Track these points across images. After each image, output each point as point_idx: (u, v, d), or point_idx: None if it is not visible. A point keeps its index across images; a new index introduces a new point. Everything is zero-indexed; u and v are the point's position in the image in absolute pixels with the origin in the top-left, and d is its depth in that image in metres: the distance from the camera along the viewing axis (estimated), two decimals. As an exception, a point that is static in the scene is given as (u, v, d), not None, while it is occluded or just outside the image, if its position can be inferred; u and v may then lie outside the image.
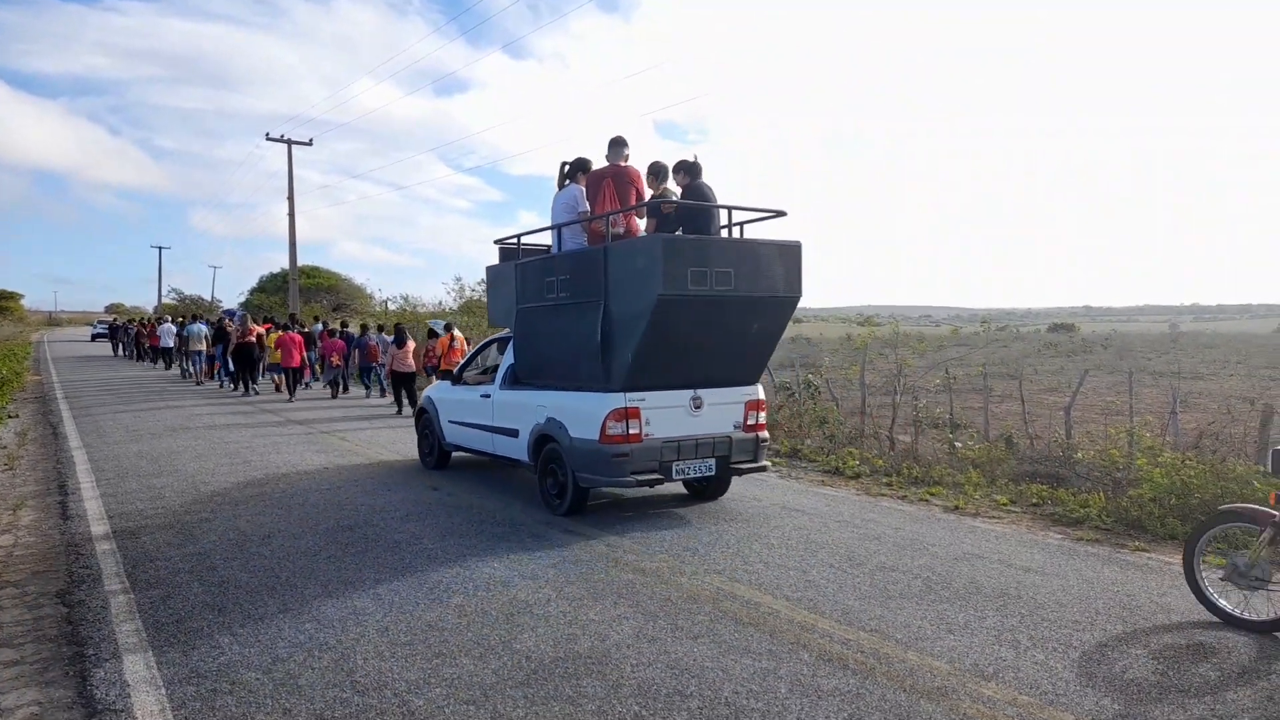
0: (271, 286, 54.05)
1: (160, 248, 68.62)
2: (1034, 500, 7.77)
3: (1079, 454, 8.49)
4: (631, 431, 6.79)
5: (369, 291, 49.40)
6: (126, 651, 4.20)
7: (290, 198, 33.43)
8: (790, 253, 7.02)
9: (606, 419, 6.75)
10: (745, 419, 7.40)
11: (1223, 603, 4.87)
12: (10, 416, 13.90)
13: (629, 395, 6.80)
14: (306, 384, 20.37)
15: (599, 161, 7.59)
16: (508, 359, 8.47)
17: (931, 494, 8.20)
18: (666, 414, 6.98)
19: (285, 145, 33.28)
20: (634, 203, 7.20)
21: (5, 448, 10.66)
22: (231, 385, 19.94)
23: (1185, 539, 5.46)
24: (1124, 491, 7.28)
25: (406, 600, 4.94)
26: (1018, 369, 17.34)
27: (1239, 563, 4.79)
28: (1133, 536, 6.57)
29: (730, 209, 7.21)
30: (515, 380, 8.24)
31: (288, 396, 17.80)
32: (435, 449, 9.62)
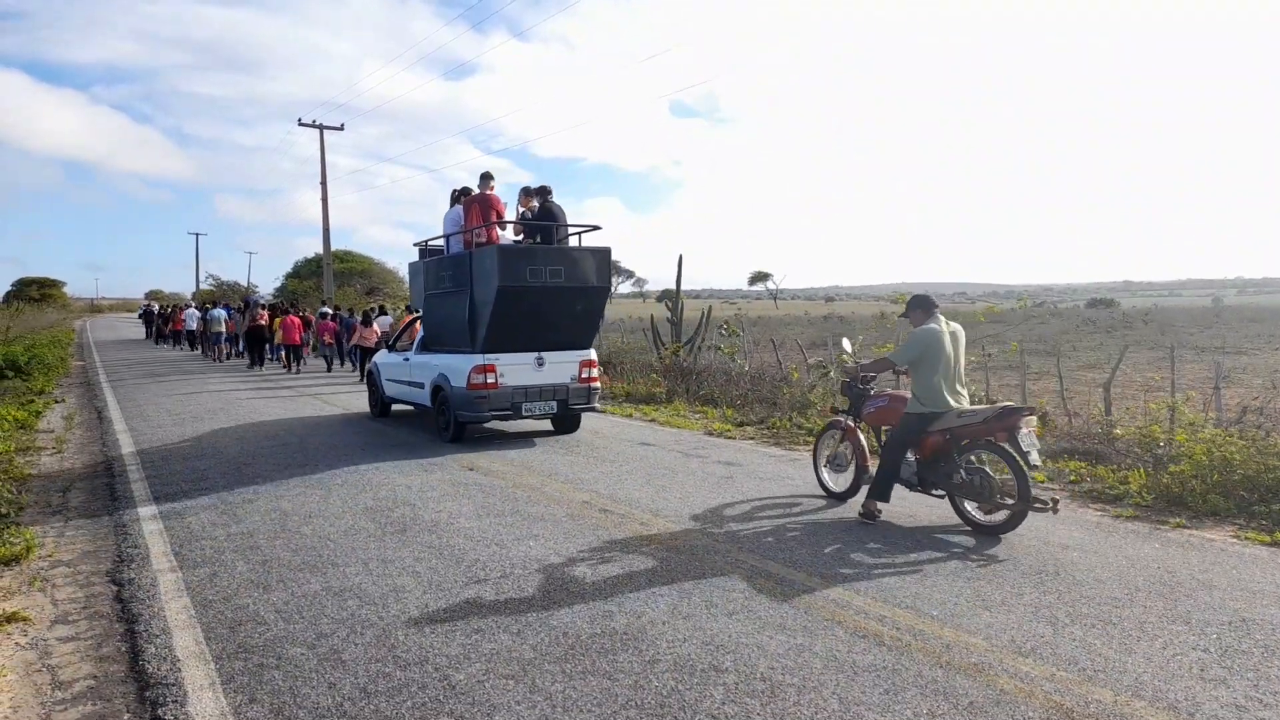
0: (306, 271, 54.56)
1: (197, 234, 69.51)
2: (1072, 477, 7.69)
3: (1118, 430, 8.37)
4: (489, 381, 9.48)
5: (401, 276, 49.70)
6: (176, 628, 4.32)
7: (323, 182, 33.72)
8: (601, 255, 9.89)
9: (471, 373, 9.49)
10: (580, 374, 10.06)
11: (827, 480, 7.10)
12: (57, 401, 14.27)
13: (486, 356, 9.50)
14: (304, 359, 23.07)
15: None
16: (421, 332, 11.44)
17: (967, 472, 8.14)
18: (516, 369, 9.66)
19: (317, 130, 33.54)
20: (495, 221, 9.98)
21: (54, 432, 10.95)
22: (247, 362, 22.89)
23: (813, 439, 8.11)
24: (1165, 468, 7.17)
25: (445, 578, 5.02)
26: (1055, 346, 17.08)
27: (832, 455, 7.13)
28: (1174, 513, 6.48)
29: (558, 226, 10.00)
30: (424, 347, 11.11)
31: (287, 369, 21.20)
32: (379, 402, 12.49)
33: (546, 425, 11.13)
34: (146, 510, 6.80)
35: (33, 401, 13.46)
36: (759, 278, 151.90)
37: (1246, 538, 5.82)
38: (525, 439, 10.29)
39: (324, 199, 33.76)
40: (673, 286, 17.88)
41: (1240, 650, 3.95)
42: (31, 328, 34.84)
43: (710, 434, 10.72)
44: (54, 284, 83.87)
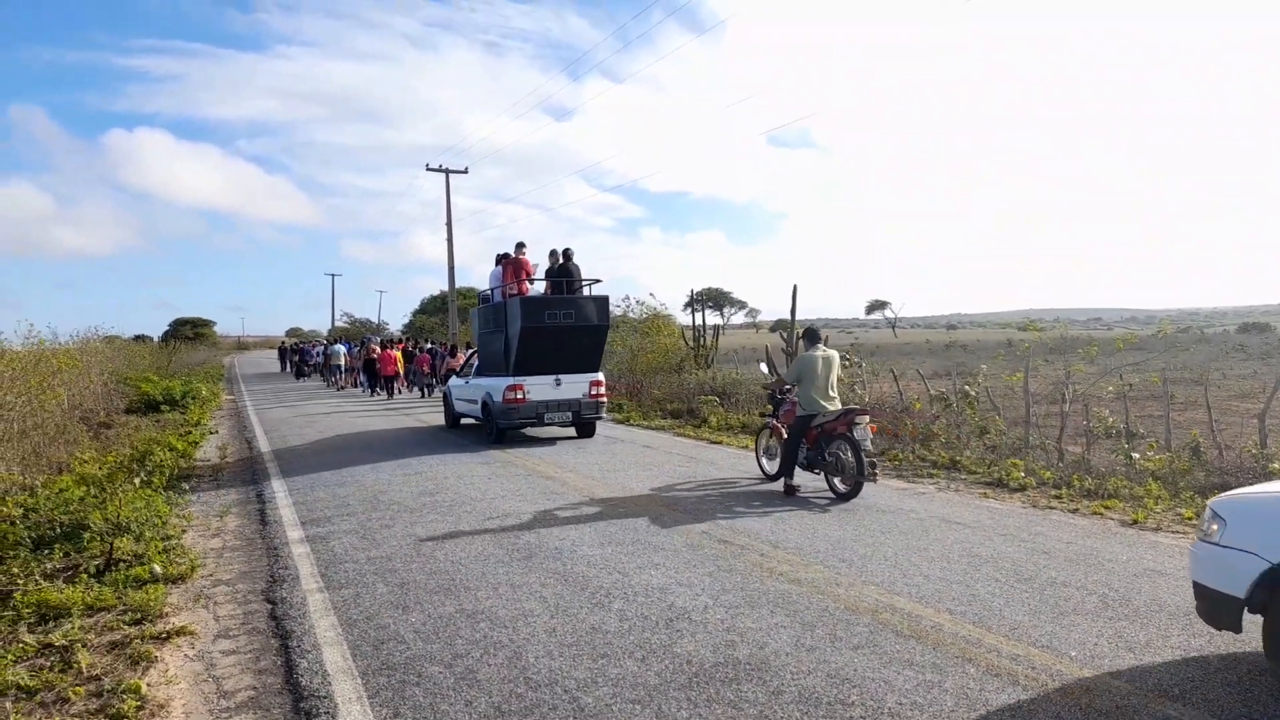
0: (432, 308, 57.07)
1: (333, 275, 73.94)
2: (1224, 514, 7.20)
3: (1276, 464, 7.80)
4: (519, 396, 12.61)
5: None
6: (325, 644, 4.62)
7: (449, 223, 35.30)
8: (600, 301, 13.13)
9: (505, 390, 12.65)
10: (590, 391, 13.16)
11: (765, 466, 9.31)
12: (211, 433, 15.38)
13: (517, 378, 12.63)
14: (400, 389, 26.43)
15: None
16: (477, 362, 15.03)
17: (1106, 507, 7.75)
18: (540, 388, 12.75)
19: (443, 175, 35.20)
20: (524, 279, 13.50)
21: (210, 461, 11.82)
22: (366, 390, 26.77)
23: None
24: (1331, 505, 6.63)
25: (570, 604, 5.17)
26: (1203, 374, 16.05)
27: (766, 447, 9.45)
28: (1343, 554, 5.98)
29: (569, 281, 13.17)
30: (478, 373, 14.50)
31: (385, 395, 24.82)
32: (451, 416, 15.81)
33: (568, 432, 14.05)
34: (295, 534, 7.27)
35: (190, 433, 14.56)
36: (876, 306, 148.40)
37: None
38: (646, 470, 10.41)
39: (449, 240, 35.32)
40: (786, 316, 17.77)
41: None
42: (186, 365, 37.83)
43: (829, 466, 10.57)
44: (205, 323, 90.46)
